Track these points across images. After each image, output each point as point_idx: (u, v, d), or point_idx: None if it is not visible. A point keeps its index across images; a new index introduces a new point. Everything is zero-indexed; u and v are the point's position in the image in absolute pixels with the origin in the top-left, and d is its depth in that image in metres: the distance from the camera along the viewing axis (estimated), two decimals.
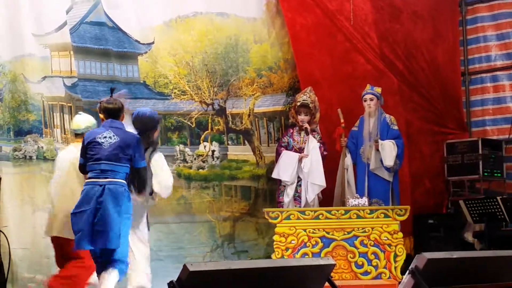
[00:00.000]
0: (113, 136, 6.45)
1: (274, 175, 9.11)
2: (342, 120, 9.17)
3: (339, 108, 9.29)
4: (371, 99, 9.28)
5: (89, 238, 6.26)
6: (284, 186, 9.04)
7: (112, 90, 6.76)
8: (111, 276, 6.42)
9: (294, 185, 8.98)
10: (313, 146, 9.02)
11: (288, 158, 9.04)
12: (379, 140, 9.13)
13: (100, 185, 6.32)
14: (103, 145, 6.41)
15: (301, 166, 8.95)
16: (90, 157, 6.45)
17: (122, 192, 6.39)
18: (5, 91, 8.16)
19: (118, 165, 6.41)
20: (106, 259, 6.44)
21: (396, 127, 9.37)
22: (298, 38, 10.00)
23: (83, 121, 7.27)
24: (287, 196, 8.96)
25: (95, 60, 8.81)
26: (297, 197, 8.99)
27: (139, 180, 6.70)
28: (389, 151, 9.14)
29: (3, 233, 6.80)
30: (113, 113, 6.60)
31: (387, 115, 9.38)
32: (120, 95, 6.84)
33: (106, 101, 6.66)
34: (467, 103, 11.16)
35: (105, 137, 6.46)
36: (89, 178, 6.43)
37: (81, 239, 6.28)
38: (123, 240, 6.38)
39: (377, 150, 9.14)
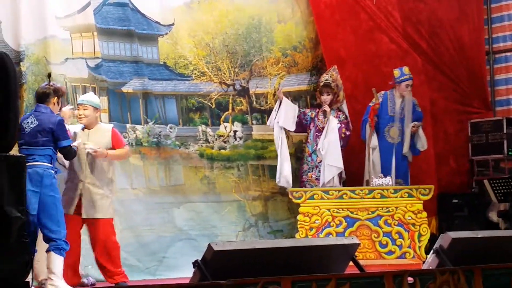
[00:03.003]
0: (34, 120, 6.62)
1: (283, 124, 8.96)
2: (379, 100, 9.05)
3: (374, 88, 9.13)
4: (411, 85, 9.18)
5: None
6: (307, 165, 9.03)
7: (49, 76, 6.98)
8: (50, 258, 6.59)
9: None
10: (332, 127, 8.93)
11: (287, 107, 8.99)
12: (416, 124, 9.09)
13: None
14: (25, 130, 6.59)
15: (319, 148, 8.89)
16: (19, 142, 6.60)
17: (42, 174, 6.52)
18: (28, 73, 8.20)
19: (38, 149, 6.58)
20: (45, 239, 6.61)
21: (419, 109, 9.33)
22: (322, 17, 9.93)
23: None
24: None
25: (118, 41, 8.82)
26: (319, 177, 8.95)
27: (65, 157, 6.90)
28: (423, 134, 9.13)
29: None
30: (39, 97, 6.78)
31: (413, 97, 9.31)
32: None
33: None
34: (492, 82, 11.06)
35: (28, 122, 6.64)
36: None
37: None
38: (52, 219, 6.54)
39: (413, 133, 9.09)
